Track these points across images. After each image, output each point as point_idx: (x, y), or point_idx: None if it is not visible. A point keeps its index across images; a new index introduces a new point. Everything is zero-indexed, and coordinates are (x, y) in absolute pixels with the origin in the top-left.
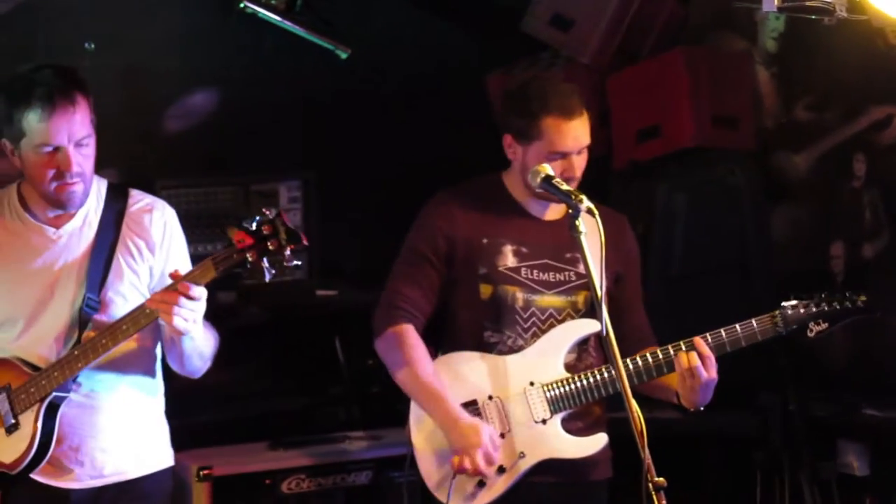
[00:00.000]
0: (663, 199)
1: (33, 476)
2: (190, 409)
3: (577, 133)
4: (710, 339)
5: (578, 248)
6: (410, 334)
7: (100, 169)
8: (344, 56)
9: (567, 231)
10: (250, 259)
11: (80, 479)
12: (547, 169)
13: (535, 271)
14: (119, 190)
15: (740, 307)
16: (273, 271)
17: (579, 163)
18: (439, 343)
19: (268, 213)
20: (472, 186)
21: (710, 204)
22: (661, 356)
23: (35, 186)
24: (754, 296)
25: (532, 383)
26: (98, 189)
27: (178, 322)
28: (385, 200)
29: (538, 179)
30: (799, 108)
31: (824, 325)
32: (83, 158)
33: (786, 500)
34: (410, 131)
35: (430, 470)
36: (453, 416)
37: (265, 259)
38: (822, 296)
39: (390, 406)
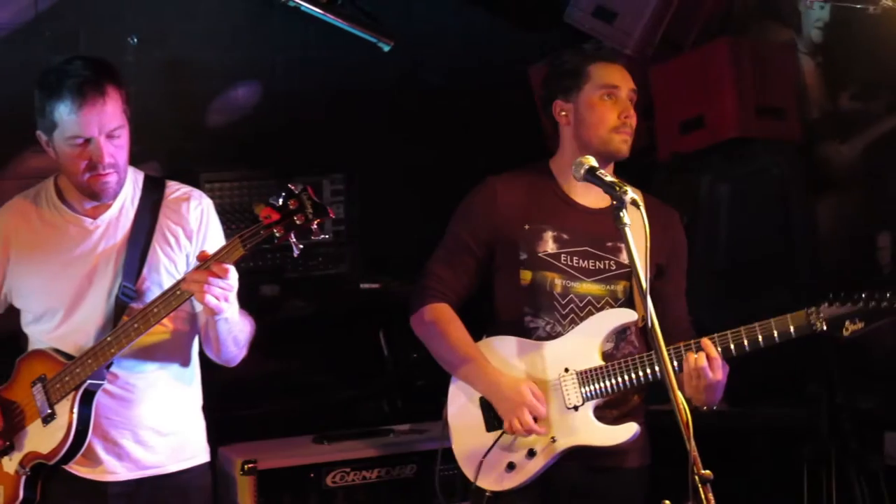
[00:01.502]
0: (707, 191)
1: (70, 469)
2: (234, 402)
3: (623, 73)
4: (717, 341)
5: (623, 238)
6: (445, 310)
7: (143, 162)
8: (386, 48)
9: (610, 220)
10: (277, 234)
11: (117, 472)
12: (591, 160)
13: (574, 258)
14: (156, 181)
15: (785, 299)
16: (301, 246)
17: (632, 110)
18: (484, 329)
19: (294, 188)
20: (519, 173)
21: (754, 195)
22: (673, 354)
23: (69, 178)
24: (799, 288)
25: (567, 370)
26: (135, 180)
27: (210, 300)
28: (428, 193)
29: (582, 171)
30: (844, 97)
31: (860, 325)
32: (115, 149)
33: (833, 492)
34: (453, 123)
35: (461, 447)
36: (494, 381)
37: (292, 234)
38: (861, 295)
39: (435, 399)
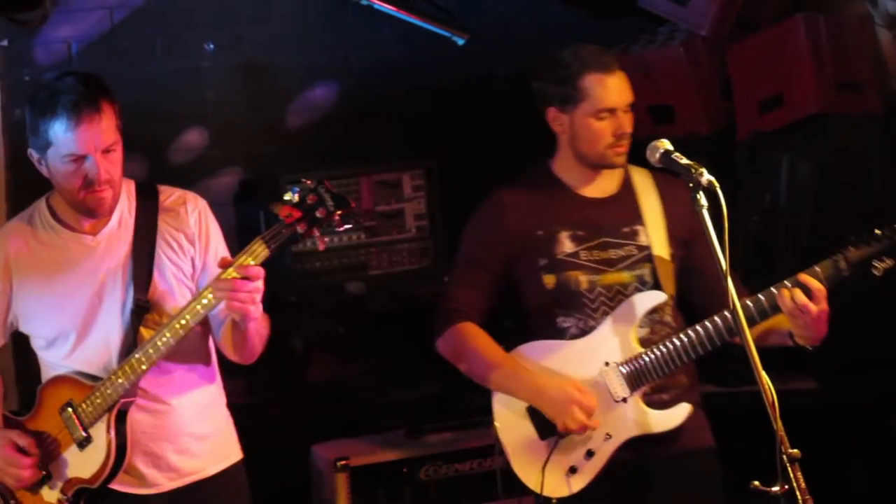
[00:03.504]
0: (788, 169)
1: (112, 486)
2: (325, 401)
3: (620, 87)
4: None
5: (702, 223)
6: (470, 328)
7: (224, 168)
8: (461, 42)
9: (621, 204)
10: (301, 231)
11: (159, 484)
12: (665, 144)
13: (594, 252)
14: (148, 188)
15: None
16: (326, 239)
17: (628, 120)
18: (513, 342)
19: (310, 182)
20: (522, 180)
21: (836, 171)
22: (763, 299)
23: (64, 196)
24: None
25: (607, 363)
26: (127, 190)
27: (240, 306)
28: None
29: (657, 154)
30: None
31: (889, 262)
32: (111, 165)
33: None
34: (529, 115)
35: (519, 461)
36: (536, 386)
37: (316, 228)
38: (880, 232)
39: None
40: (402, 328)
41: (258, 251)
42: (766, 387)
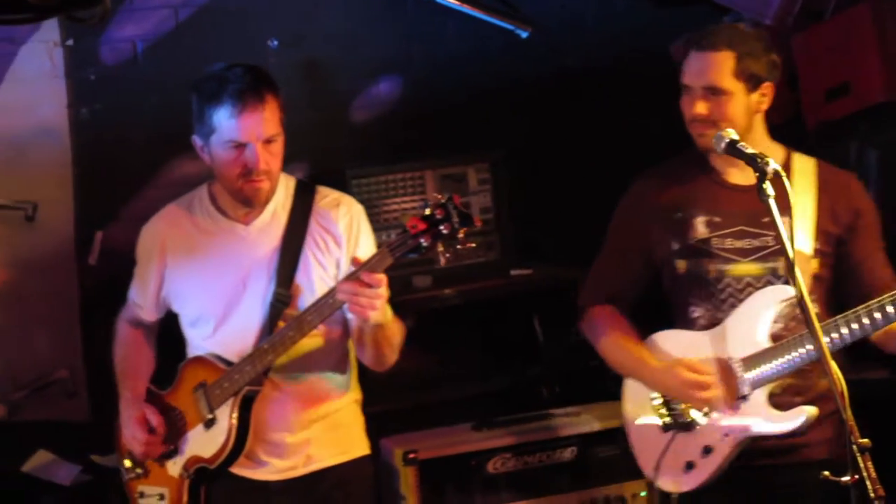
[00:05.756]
0: (856, 158)
1: (233, 470)
2: (392, 394)
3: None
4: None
5: (769, 211)
6: (608, 311)
7: (289, 163)
8: (524, 35)
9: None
10: (424, 243)
11: (277, 471)
12: (731, 133)
13: (727, 240)
14: (307, 186)
15: None
16: (447, 255)
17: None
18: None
19: (440, 197)
20: (671, 163)
21: None
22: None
23: (223, 183)
24: None
25: (731, 358)
26: (286, 185)
27: (360, 309)
28: (573, 176)
29: (723, 144)
30: None
31: None
32: (271, 157)
33: None
34: (594, 105)
35: (640, 448)
36: (654, 375)
37: (439, 243)
38: None
39: (591, 382)
40: (469, 321)
41: (383, 258)
42: (836, 376)
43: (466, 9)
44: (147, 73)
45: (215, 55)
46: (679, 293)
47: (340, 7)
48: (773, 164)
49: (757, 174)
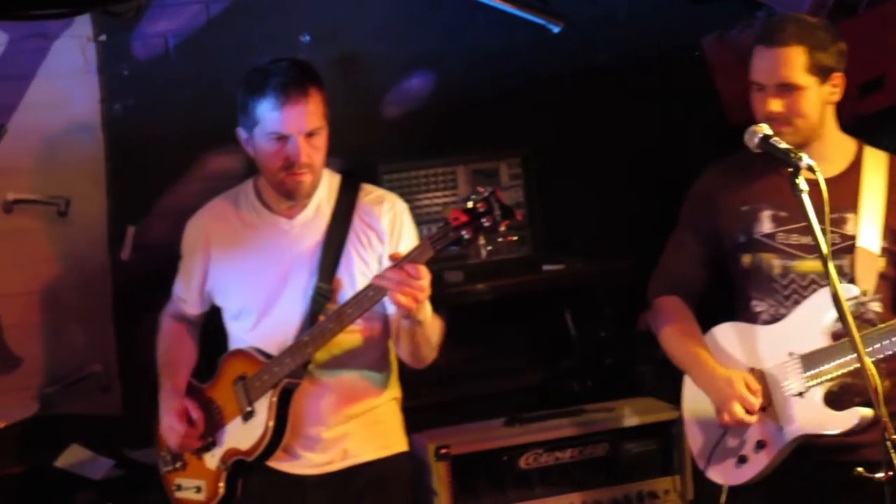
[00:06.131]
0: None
1: (269, 463)
2: (425, 389)
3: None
4: None
5: (800, 206)
6: (672, 303)
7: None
8: (556, 30)
9: (840, 189)
10: (466, 236)
11: (313, 465)
12: (764, 128)
13: (793, 235)
14: (351, 183)
15: None
16: (489, 248)
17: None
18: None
19: (483, 190)
20: (739, 155)
21: None
22: None
23: (266, 176)
24: None
25: (791, 354)
26: (330, 181)
27: (402, 299)
28: (604, 171)
29: (756, 139)
30: None
31: None
32: (313, 150)
33: None
34: (626, 101)
35: (694, 437)
36: (710, 373)
37: (480, 235)
38: None
39: (624, 378)
40: (501, 317)
41: (424, 251)
42: (871, 372)
43: (498, 4)
44: (179, 69)
45: (246, 50)
46: (742, 287)
47: (374, 2)
48: (807, 159)
49: (790, 169)
